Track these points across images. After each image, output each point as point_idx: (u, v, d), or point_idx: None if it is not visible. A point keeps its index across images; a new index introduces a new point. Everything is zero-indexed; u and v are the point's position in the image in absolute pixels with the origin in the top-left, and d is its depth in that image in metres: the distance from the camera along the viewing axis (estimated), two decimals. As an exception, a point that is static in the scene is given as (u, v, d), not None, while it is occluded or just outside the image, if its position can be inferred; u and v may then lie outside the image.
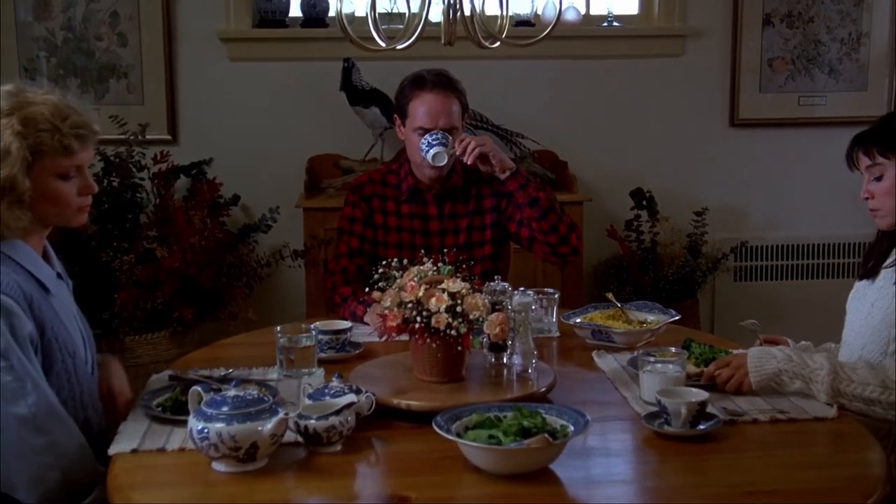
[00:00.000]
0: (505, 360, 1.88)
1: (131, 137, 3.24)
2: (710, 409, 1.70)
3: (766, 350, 1.86)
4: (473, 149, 2.34)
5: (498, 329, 1.79)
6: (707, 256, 3.62)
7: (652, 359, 1.83)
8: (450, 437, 1.52)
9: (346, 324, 2.19)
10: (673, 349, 1.91)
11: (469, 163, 2.35)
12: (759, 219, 3.87)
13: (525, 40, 2.20)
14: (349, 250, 2.50)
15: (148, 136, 3.40)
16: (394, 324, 1.79)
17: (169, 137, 3.57)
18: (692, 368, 1.91)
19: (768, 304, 3.81)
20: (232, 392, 1.58)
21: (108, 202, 3.14)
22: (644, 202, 3.61)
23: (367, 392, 1.70)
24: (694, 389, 1.73)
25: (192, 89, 3.61)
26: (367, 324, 2.27)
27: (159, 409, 1.78)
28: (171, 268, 3.01)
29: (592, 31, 3.74)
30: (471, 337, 1.79)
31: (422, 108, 2.36)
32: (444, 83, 2.38)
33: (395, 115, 2.47)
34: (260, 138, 3.63)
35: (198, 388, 1.64)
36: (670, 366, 1.82)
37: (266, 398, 1.60)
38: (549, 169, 3.56)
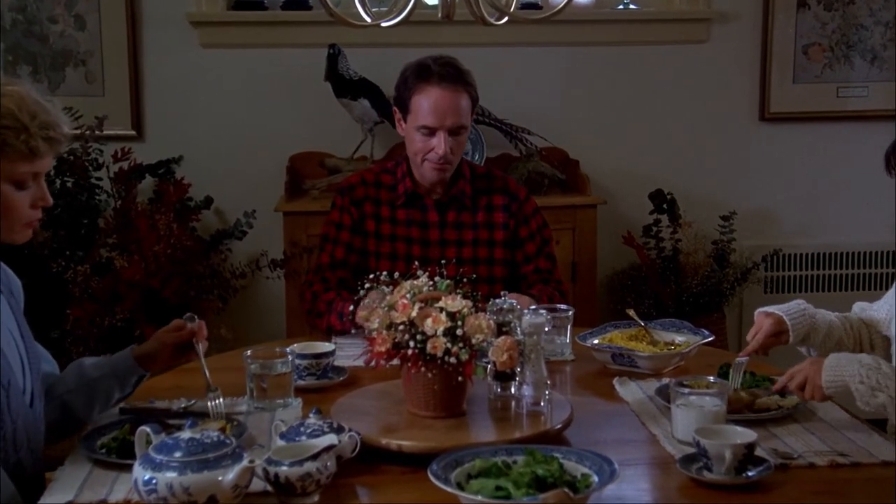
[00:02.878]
0: (513, 390, 1.80)
1: (87, 132, 3.16)
2: (757, 451, 1.59)
3: (847, 357, 1.75)
4: None
5: (506, 356, 1.70)
6: (735, 266, 3.57)
7: (686, 390, 1.72)
8: (449, 490, 1.43)
9: (328, 346, 2.11)
10: (711, 378, 1.80)
11: None
12: (792, 224, 3.84)
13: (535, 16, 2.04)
14: (332, 261, 2.44)
15: (109, 132, 3.34)
16: (382, 349, 1.70)
17: (133, 133, 3.52)
18: (738, 397, 1.82)
19: None
20: (187, 434, 1.46)
21: (61, 205, 3.08)
22: (664, 205, 3.57)
23: (350, 431, 1.61)
24: (738, 428, 1.62)
25: (159, 79, 3.56)
26: (360, 327, 2.14)
27: (103, 450, 1.67)
28: (132, 280, 2.96)
29: (606, 14, 3.70)
30: (473, 365, 1.70)
31: (427, 104, 2.31)
32: (452, 75, 2.32)
33: (395, 108, 2.42)
34: (235, 134, 3.58)
35: (146, 428, 1.51)
36: (707, 398, 1.71)
37: (228, 441, 1.48)
38: (558, 168, 3.52)
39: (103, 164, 3.26)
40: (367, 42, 3.41)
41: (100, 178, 3.26)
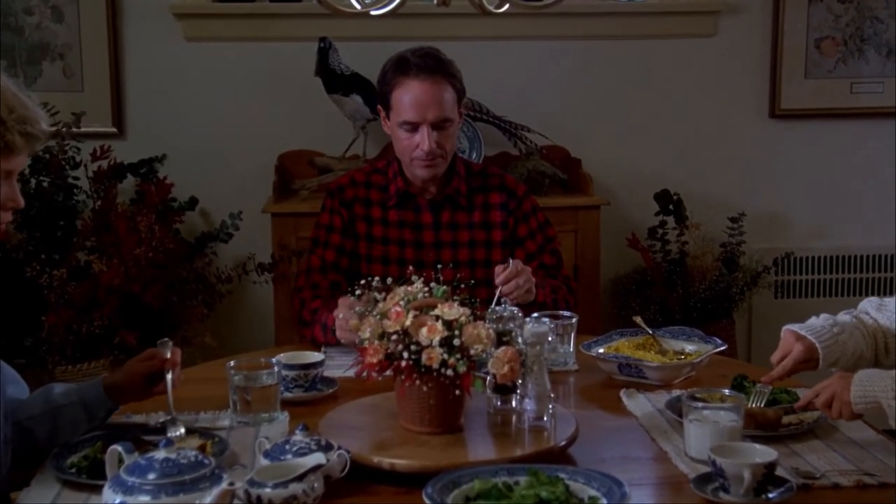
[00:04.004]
0: (514, 404, 1.75)
1: (63, 129, 3.13)
2: (778, 470, 1.52)
3: (878, 373, 1.69)
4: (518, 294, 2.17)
5: (507, 368, 1.65)
6: (745, 270, 3.55)
7: (699, 404, 1.67)
8: (445, 514, 1.36)
9: (318, 356, 2.06)
10: (726, 391, 1.75)
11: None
12: (804, 226, 3.83)
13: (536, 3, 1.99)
14: (322, 265, 2.41)
15: (88, 129, 3.32)
16: (374, 360, 1.65)
17: (114, 130, 3.50)
18: (766, 413, 1.76)
19: None
20: (162, 454, 1.39)
21: (36, 206, 3.05)
22: (671, 207, 3.56)
23: (339, 449, 1.55)
24: (757, 446, 1.56)
25: (141, 74, 3.54)
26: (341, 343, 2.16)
27: (73, 470, 1.60)
28: (111, 285, 2.92)
29: (610, 6, 3.68)
30: (472, 377, 1.65)
31: (406, 97, 2.28)
32: (431, 67, 2.28)
33: (379, 106, 2.40)
34: (221, 132, 3.57)
35: (117, 447, 1.45)
36: (722, 413, 1.65)
37: (206, 461, 1.41)
38: (559, 167, 3.49)
39: (81, 162, 3.23)
40: (359, 35, 3.41)
41: (77, 178, 3.23)
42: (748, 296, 3.57)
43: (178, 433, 1.70)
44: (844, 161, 3.78)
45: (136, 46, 3.51)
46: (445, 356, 1.61)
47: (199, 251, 3.37)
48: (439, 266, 1.83)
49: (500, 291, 2.10)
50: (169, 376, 1.76)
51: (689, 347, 2.16)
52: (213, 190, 3.52)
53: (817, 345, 1.84)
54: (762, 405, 1.80)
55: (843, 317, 1.94)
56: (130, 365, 1.80)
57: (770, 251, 3.68)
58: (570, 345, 2.15)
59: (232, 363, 1.87)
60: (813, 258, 3.81)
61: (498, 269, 2.15)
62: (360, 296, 1.76)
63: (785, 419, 1.76)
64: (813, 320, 1.92)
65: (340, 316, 2.05)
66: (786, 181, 3.78)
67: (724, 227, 3.56)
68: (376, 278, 1.77)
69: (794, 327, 1.90)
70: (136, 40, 3.51)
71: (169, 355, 1.78)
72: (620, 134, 3.70)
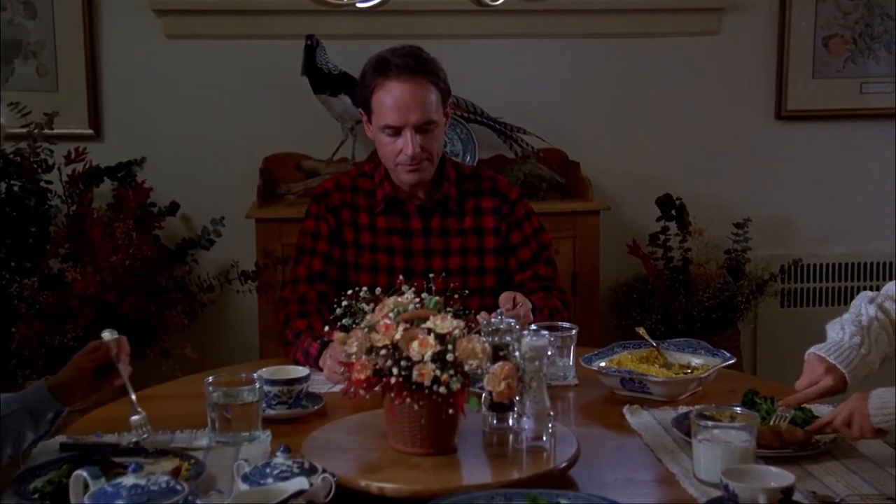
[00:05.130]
0: (511, 423, 1.73)
1: (35, 130, 3.14)
2: (795, 495, 1.47)
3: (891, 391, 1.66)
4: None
5: (503, 385, 1.62)
6: (750, 277, 3.55)
7: (709, 423, 1.63)
8: (438, 545, 1.34)
9: (302, 371, 2.03)
10: (738, 409, 1.72)
11: None
12: (812, 231, 3.83)
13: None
14: (309, 274, 2.38)
15: (63, 130, 3.33)
16: (361, 376, 1.62)
17: (90, 132, 3.50)
18: (794, 432, 1.72)
19: (822, 334, 3.64)
20: (130, 479, 1.35)
21: (6, 211, 3.07)
22: (673, 212, 3.54)
23: (324, 472, 1.51)
24: (773, 469, 1.51)
25: (119, 73, 3.53)
26: (322, 370, 2.15)
27: (35, 495, 1.55)
28: (85, 294, 2.91)
29: (609, 3, 3.66)
30: (466, 395, 1.63)
31: (387, 100, 2.26)
32: (412, 66, 2.26)
33: (360, 110, 2.39)
34: (203, 134, 3.57)
35: (82, 472, 1.40)
36: (734, 432, 1.61)
37: (178, 487, 1.37)
38: (557, 171, 3.50)
39: (54, 165, 3.23)
40: (348, 33, 3.42)
41: (50, 182, 3.23)
42: (754, 305, 3.58)
43: (144, 435, 1.68)
44: (853, 164, 3.79)
45: (113, 44, 3.51)
46: (438, 372, 1.58)
47: (180, 259, 3.36)
48: (431, 275, 1.80)
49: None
50: (123, 366, 1.73)
51: (695, 361, 2.13)
52: (195, 194, 3.51)
53: (847, 375, 1.81)
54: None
55: (867, 308, 1.89)
56: (75, 361, 1.75)
57: (776, 258, 3.68)
58: (569, 358, 2.13)
59: (210, 379, 1.84)
60: (821, 265, 3.81)
61: (504, 300, 2.14)
62: (346, 308, 1.73)
63: (796, 435, 1.72)
64: (836, 336, 1.88)
65: (328, 362, 2.07)
66: (793, 185, 3.79)
67: (728, 232, 3.55)
68: (364, 289, 1.74)
69: (821, 352, 1.86)
70: (113, 37, 3.50)
71: (115, 346, 1.74)
72: (620, 136, 3.70)
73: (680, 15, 3.67)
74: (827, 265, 3.81)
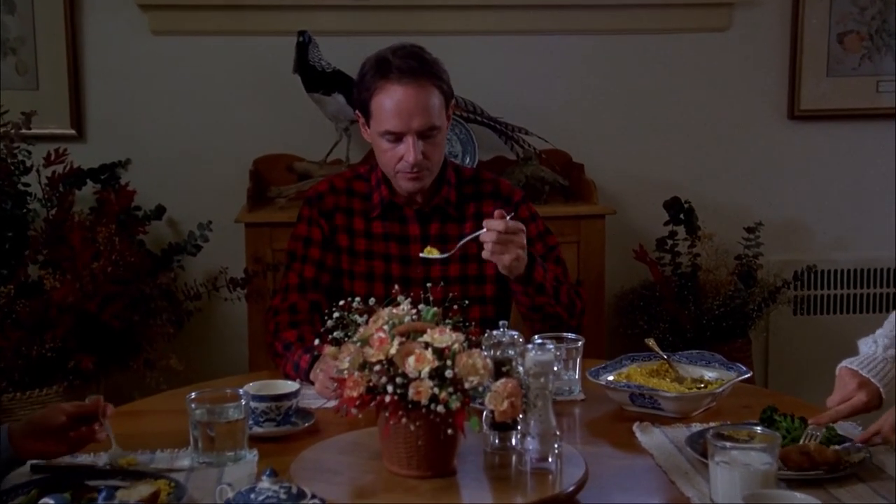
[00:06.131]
0: (514, 442, 1.68)
1: (12, 130, 3.13)
2: None
3: None
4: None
5: (506, 404, 1.56)
6: (762, 284, 3.56)
7: (728, 444, 1.57)
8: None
9: (292, 386, 1.99)
10: (758, 428, 1.66)
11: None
12: (826, 236, 3.86)
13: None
14: (301, 282, 2.36)
15: (43, 130, 3.35)
16: (354, 393, 1.58)
17: (72, 132, 3.52)
18: (824, 452, 1.66)
19: (837, 343, 3.69)
20: None
21: None
22: (681, 216, 3.57)
23: (313, 498, 1.47)
24: (798, 494, 1.46)
25: (103, 71, 3.55)
26: (313, 384, 2.12)
27: None
28: (64, 302, 2.89)
29: None
30: (466, 414, 1.58)
31: (389, 104, 2.23)
32: (415, 68, 2.22)
33: (357, 112, 2.36)
34: (191, 134, 3.59)
35: (50, 500, 1.38)
36: (754, 454, 1.56)
37: None
38: (560, 173, 3.52)
39: (32, 167, 3.23)
40: (341, 29, 3.44)
41: (28, 184, 3.23)
42: (766, 313, 3.59)
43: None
44: (869, 165, 3.79)
45: (97, 40, 3.51)
46: (436, 390, 1.54)
47: (165, 265, 3.37)
48: (429, 285, 1.76)
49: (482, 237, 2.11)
50: (106, 423, 1.69)
51: (708, 374, 2.10)
52: (182, 197, 3.52)
53: (882, 389, 1.77)
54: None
55: None
56: (54, 405, 1.70)
57: (789, 264, 3.70)
58: (575, 371, 2.09)
59: (193, 395, 1.80)
60: (836, 271, 3.83)
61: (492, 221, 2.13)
62: (338, 320, 1.69)
63: (827, 454, 1.67)
64: (869, 349, 1.83)
65: (320, 376, 2.04)
66: (806, 187, 3.80)
67: (739, 237, 3.56)
68: (357, 299, 1.70)
69: (854, 365, 1.81)
70: (97, 33, 3.51)
71: (101, 402, 1.70)
72: (626, 136, 3.71)
73: (688, 10, 3.69)
74: (843, 271, 3.82)
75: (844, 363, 1.83)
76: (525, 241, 2.17)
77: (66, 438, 1.65)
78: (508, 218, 2.12)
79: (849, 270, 3.82)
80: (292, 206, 3.14)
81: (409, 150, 2.22)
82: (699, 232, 3.51)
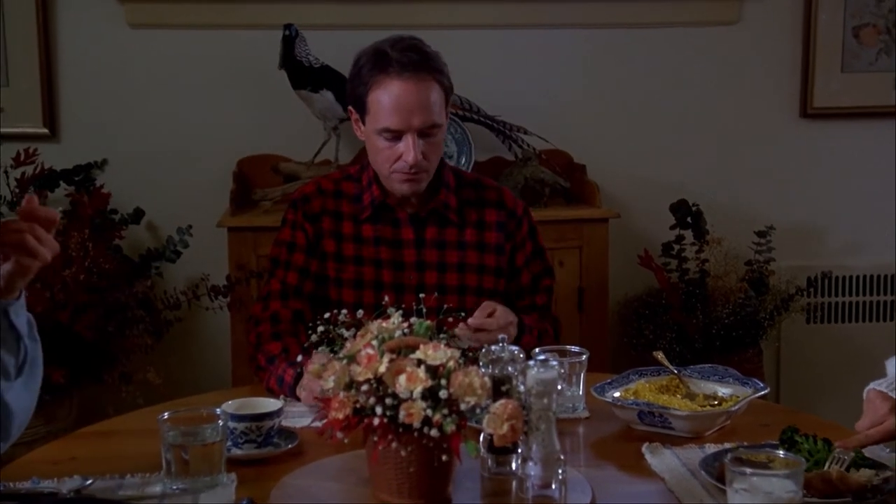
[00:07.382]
0: (514, 467, 1.64)
1: None
2: None
3: None
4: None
5: (506, 427, 1.51)
6: (774, 291, 3.56)
7: (747, 470, 1.50)
8: None
9: (276, 404, 1.94)
10: (781, 452, 1.59)
11: None
12: (841, 240, 3.86)
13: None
14: (283, 289, 2.33)
15: (13, 129, 3.38)
16: (339, 416, 1.53)
17: (45, 131, 3.51)
18: (847, 478, 1.60)
19: (853, 354, 3.75)
20: None
21: None
22: (689, 219, 3.56)
23: None
24: None
25: (78, 66, 3.54)
26: (299, 399, 2.10)
27: None
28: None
29: None
30: (461, 438, 1.54)
31: (387, 100, 2.21)
32: (416, 62, 2.20)
33: (351, 108, 2.33)
34: (171, 133, 3.58)
35: None
36: (775, 480, 1.49)
37: None
38: (560, 175, 3.51)
39: (0, 168, 3.25)
40: (330, 23, 3.45)
41: None
42: (778, 321, 3.58)
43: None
44: (886, 166, 3.78)
45: (70, 34, 3.50)
46: (429, 412, 1.50)
47: (143, 272, 3.36)
48: (422, 295, 1.74)
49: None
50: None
51: (722, 391, 2.05)
52: (161, 200, 3.53)
53: None
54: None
55: None
56: None
57: (802, 269, 3.71)
58: (579, 387, 2.05)
59: (165, 415, 1.74)
60: (851, 277, 3.84)
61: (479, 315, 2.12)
62: (322, 334, 1.66)
63: (856, 479, 1.61)
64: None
65: (303, 395, 2.04)
66: (820, 189, 3.81)
67: (749, 242, 3.57)
68: (343, 311, 1.67)
69: (883, 387, 1.77)
70: (70, 26, 3.50)
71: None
72: (630, 136, 3.72)
73: (695, 3, 3.70)
74: (859, 277, 3.83)
75: (873, 385, 1.78)
76: (506, 320, 2.16)
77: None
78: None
79: (865, 276, 3.83)
80: (278, 210, 3.10)
81: (408, 150, 2.20)
82: (707, 236, 3.52)
